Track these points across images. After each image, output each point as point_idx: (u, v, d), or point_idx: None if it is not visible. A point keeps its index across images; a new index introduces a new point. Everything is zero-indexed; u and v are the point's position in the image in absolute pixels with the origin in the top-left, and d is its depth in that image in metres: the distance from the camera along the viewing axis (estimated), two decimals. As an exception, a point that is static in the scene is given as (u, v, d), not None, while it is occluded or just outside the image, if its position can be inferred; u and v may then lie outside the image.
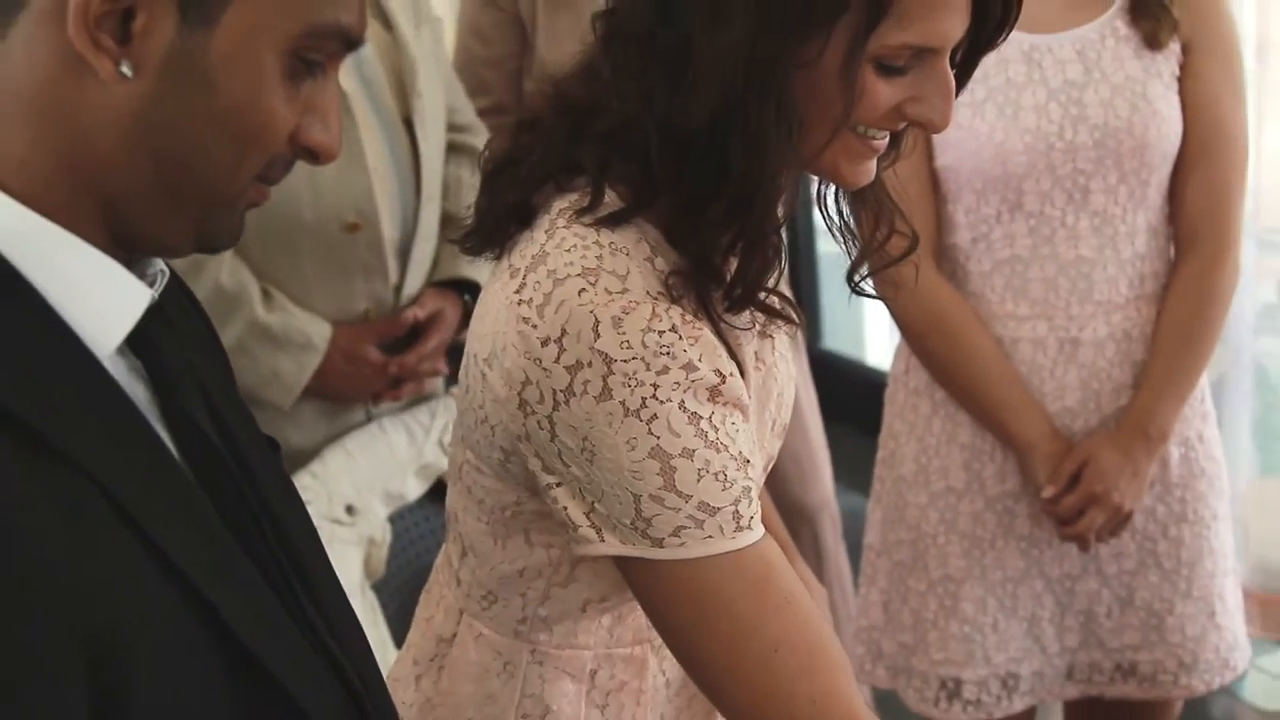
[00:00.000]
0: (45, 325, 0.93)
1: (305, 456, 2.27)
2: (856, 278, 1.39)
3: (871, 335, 4.84)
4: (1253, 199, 2.61)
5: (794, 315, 1.30)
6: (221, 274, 2.17)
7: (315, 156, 1.02)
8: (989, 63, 2.02)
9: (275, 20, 0.97)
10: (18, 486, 0.86)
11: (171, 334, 1.04)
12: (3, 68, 0.95)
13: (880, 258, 1.39)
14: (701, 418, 1.19)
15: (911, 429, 2.30)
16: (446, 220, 2.38)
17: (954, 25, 1.26)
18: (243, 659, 0.94)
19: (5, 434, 0.87)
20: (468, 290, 2.38)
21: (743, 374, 1.29)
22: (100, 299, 0.95)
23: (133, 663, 0.88)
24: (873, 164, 1.33)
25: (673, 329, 1.19)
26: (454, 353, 2.34)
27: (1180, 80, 2.15)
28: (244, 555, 0.99)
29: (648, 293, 1.22)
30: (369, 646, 1.13)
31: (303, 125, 1.01)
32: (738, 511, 1.21)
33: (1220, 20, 2.15)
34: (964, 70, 1.32)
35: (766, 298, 1.27)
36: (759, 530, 1.22)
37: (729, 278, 1.26)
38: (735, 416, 1.22)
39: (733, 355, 1.26)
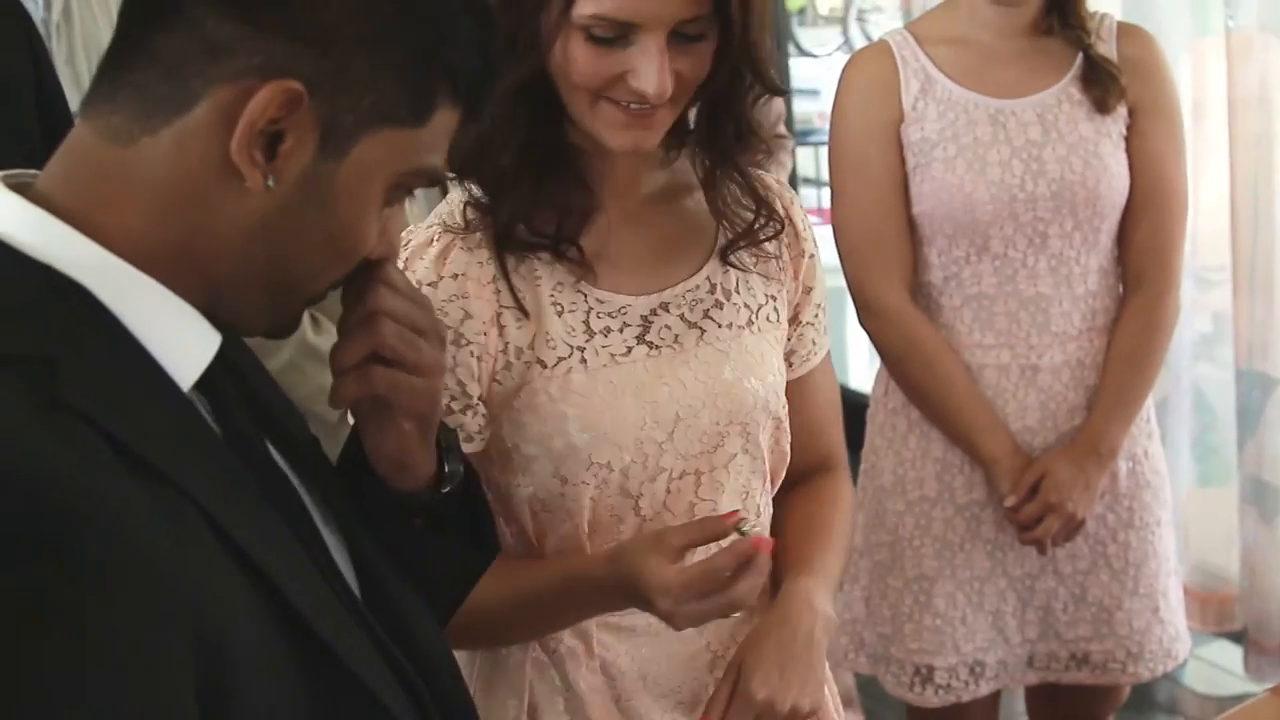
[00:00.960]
0: (135, 358, 0.96)
1: None
2: (731, 254, 1.52)
3: (854, 361, 4.96)
4: (1191, 242, 2.70)
5: (577, 262, 1.43)
6: None
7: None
8: (960, 124, 2.20)
9: (392, 161, 1.03)
10: (130, 499, 0.88)
11: (225, 368, 1.05)
12: (145, 156, 0.98)
13: (752, 237, 1.52)
14: None
15: (890, 444, 2.40)
16: None
17: (649, 3, 1.35)
18: (318, 653, 0.97)
19: (107, 451, 0.89)
20: None
21: (524, 312, 1.43)
22: (182, 340, 0.99)
23: (234, 660, 0.90)
24: (640, 133, 1.41)
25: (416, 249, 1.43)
26: None
27: (1127, 139, 2.28)
28: (309, 560, 1.02)
29: (444, 224, 1.46)
30: (436, 631, 1.16)
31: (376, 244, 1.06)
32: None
33: (1162, 86, 2.29)
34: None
35: (533, 241, 1.43)
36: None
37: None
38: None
39: (513, 292, 1.42)
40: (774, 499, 1.61)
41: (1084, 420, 2.31)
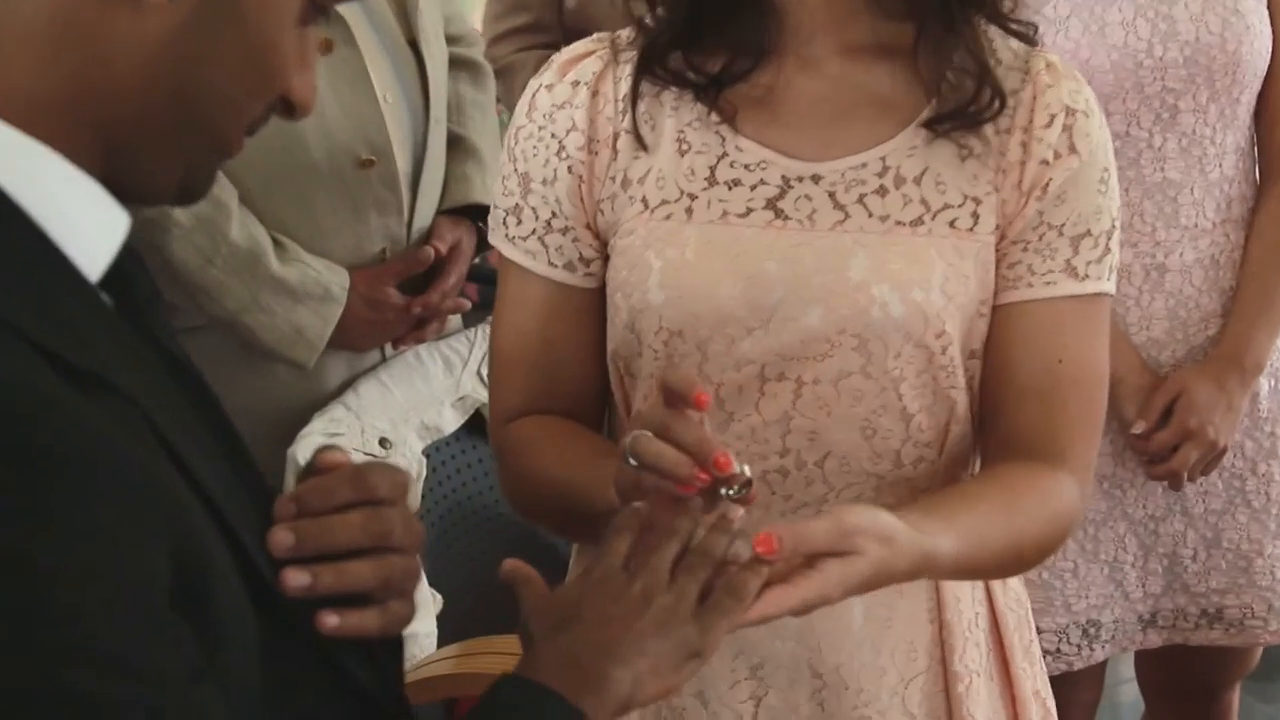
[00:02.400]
0: (42, 250, 0.93)
1: (322, 405, 2.21)
2: (933, 131, 1.40)
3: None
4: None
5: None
6: (231, 230, 2.11)
7: (292, 111, 1.03)
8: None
9: None
10: (87, 409, 0.88)
11: (134, 262, 1.03)
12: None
13: (966, 118, 1.39)
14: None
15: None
16: (453, 142, 2.31)
17: None
18: (260, 590, 0.96)
19: (29, 353, 0.88)
20: (479, 215, 2.30)
21: (642, 143, 1.42)
22: (88, 225, 0.96)
23: (211, 572, 0.90)
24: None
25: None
26: (477, 278, 2.31)
27: None
28: (248, 494, 1.00)
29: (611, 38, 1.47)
30: None
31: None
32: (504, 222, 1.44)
33: None
34: None
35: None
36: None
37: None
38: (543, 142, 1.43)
39: (634, 117, 1.42)
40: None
41: (1221, 329, 2.18)
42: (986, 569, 1.39)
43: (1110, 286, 1.42)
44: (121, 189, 0.98)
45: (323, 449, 1.08)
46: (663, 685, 1.10)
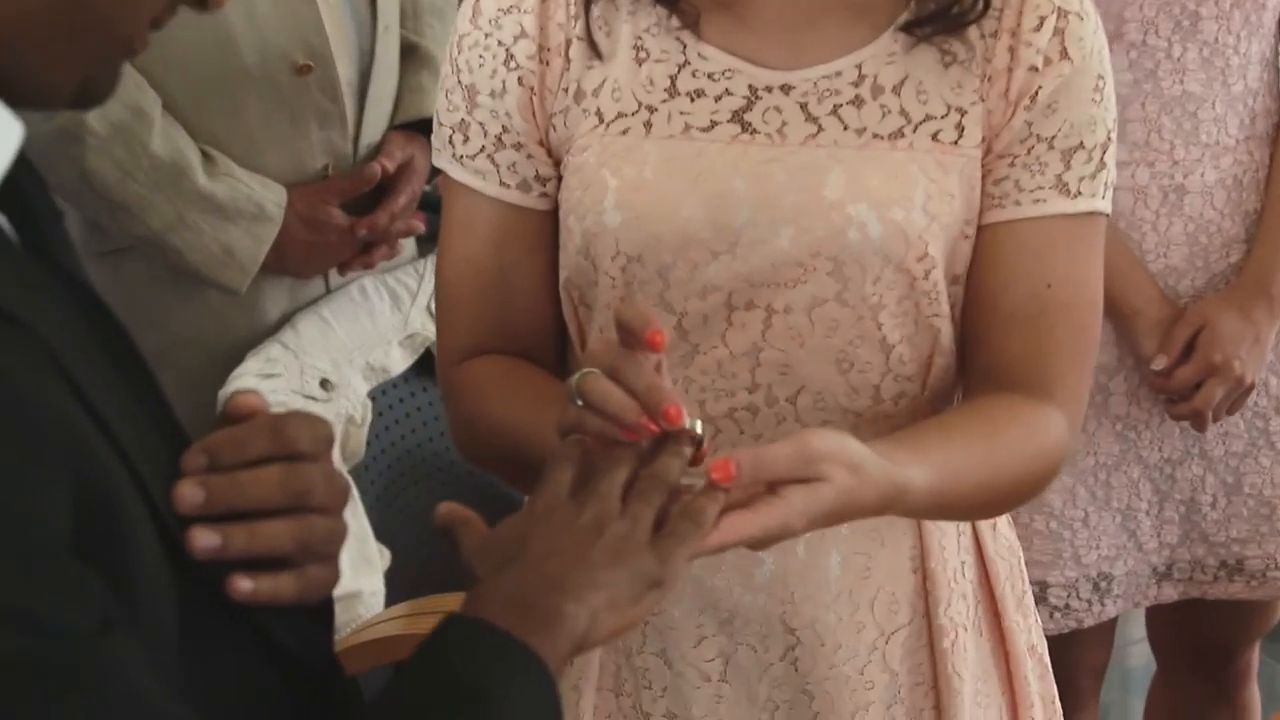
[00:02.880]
0: None
1: (260, 338, 2.18)
2: (911, 36, 1.38)
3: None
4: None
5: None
6: (153, 141, 2.08)
7: (203, 2, 0.98)
8: None
9: None
10: None
11: (33, 180, 1.00)
12: None
13: (947, 20, 1.37)
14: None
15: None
16: (407, 51, 2.26)
17: None
18: (173, 538, 0.94)
19: None
20: None
21: (596, 51, 1.39)
22: None
23: (121, 517, 0.88)
24: None
25: None
26: (428, 206, 2.25)
27: None
28: (150, 423, 0.98)
29: None
30: None
31: None
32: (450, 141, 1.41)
33: None
34: None
35: None
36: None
37: None
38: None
39: (588, 22, 1.39)
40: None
41: (1246, 256, 2.14)
42: (964, 506, 1.35)
43: (1105, 205, 1.39)
44: (11, 93, 0.92)
45: (237, 393, 1.04)
46: (621, 619, 1.07)
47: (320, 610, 1.07)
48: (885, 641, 1.42)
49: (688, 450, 1.13)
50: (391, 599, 2.14)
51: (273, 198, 2.12)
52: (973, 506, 1.36)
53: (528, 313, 1.42)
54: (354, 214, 2.19)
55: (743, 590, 1.40)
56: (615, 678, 1.45)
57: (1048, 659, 1.53)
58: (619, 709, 1.44)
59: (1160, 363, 2.11)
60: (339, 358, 2.18)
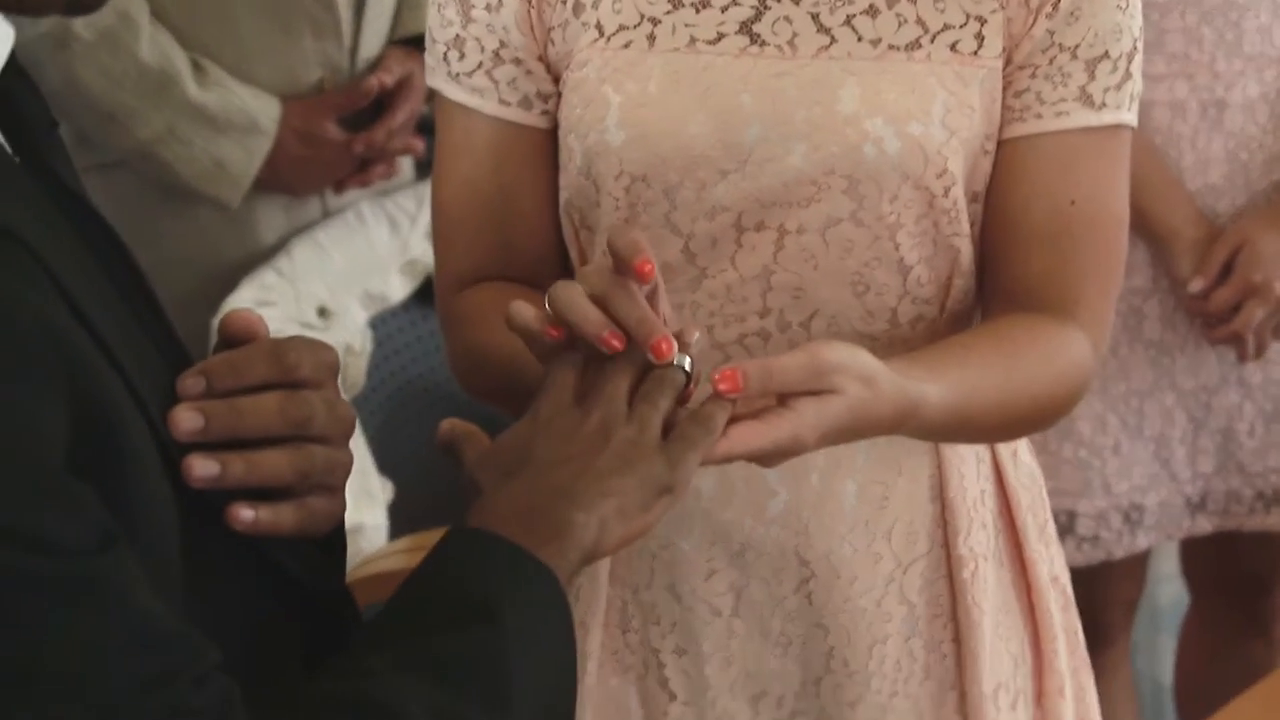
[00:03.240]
0: None
1: (255, 262, 2.19)
2: None
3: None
4: None
5: None
6: (140, 48, 2.08)
7: None
8: None
9: None
10: None
11: (26, 86, 1.00)
12: None
13: None
14: None
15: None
16: None
17: None
18: (166, 456, 0.94)
19: None
20: None
21: None
22: None
23: (120, 432, 0.89)
24: None
25: None
26: (426, 130, 2.24)
27: None
28: (149, 342, 0.99)
29: None
30: None
31: None
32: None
33: None
34: None
35: None
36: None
37: None
38: None
39: None
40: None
41: None
42: (981, 427, 1.34)
43: (1131, 118, 1.38)
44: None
45: (238, 310, 1.03)
46: (632, 527, 1.06)
47: (330, 542, 1.07)
48: (903, 573, 1.41)
49: (679, 380, 1.12)
50: (394, 533, 2.13)
51: (266, 110, 2.12)
52: (991, 428, 1.35)
53: (529, 236, 1.41)
54: (351, 131, 2.18)
55: (754, 523, 1.39)
56: (622, 614, 1.44)
57: (1071, 591, 1.51)
58: (626, 645, 1.43)
59: (1197, 284, 2.10)
60: (336, 285, 2.18)
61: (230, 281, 2.11)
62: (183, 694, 0.86)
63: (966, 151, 1.34)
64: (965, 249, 1.37)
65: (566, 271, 1.43)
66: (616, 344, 1.11)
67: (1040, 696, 1.48)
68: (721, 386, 1.11)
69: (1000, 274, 1.38)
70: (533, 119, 1.39)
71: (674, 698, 1.42)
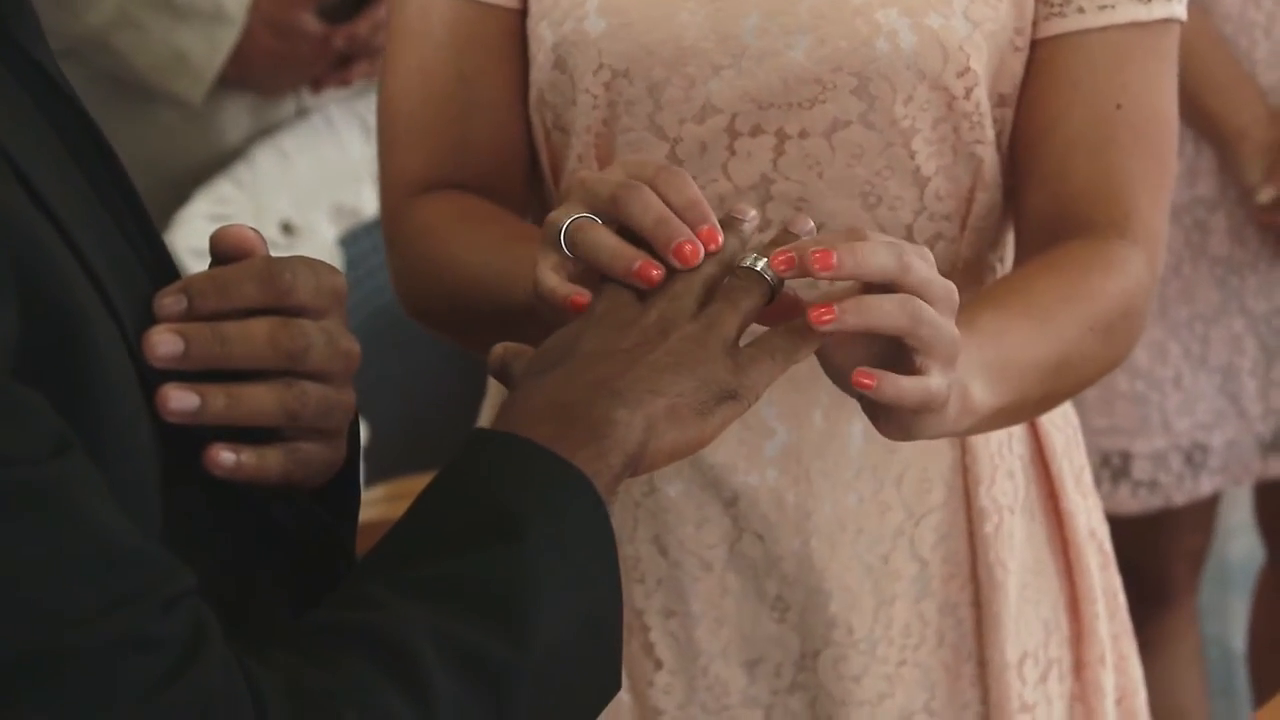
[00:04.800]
0: None
1: (219, 168, 2.16)
2: None
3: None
4: None
5: None
6: None
7: None
8: None
9: None
10: None
11: None
12: None
13: None
14: None
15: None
16: None
17: None
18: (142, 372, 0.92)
19: None
20: None
21: None
22: None
23: (84, 337, 0.86)
24: None
25: None
26: None
27: None
28: (128, 245, 0.97)
29: None
30: None
31: None
32: None
33: None
34: None
35: None
36: None
37: None
38: None
39: None
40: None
41: None
42: (1026, 394, 1.28)
43: (1181, 10, 1.36)
44: None
45: (232, 225, 0.99)
46: (686, 434, 0.99)
47: (333, 493, 1.03)
48: (915, 525, 1.39)
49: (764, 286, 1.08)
50: (370, 480, 2.06)
51: None
52: (1037, 391, 1.29)
53: (491, 133, 1.38)
54: (330, 23, 2.16)
55: (749, 466, 1.38)
56: None
57: (1110, 547, 1.46)
58: None
59: (1267, 194, 2.08)
60: (302, 197, 2.16)
61: (190, 187, 2.08)
62: (144, 620, 0.82)
63: (992, 47, 1.33)
64: (989, 158, 1.35)
65: (529, 181, 1.42)
66: (655, 274, 1.06)
67: (1079, 667, 1.44)
68: (818, 265, 1.05)
69: (1035, 191, 1.36)
70: None
71: (660, 665, 1.40)
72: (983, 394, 1.19)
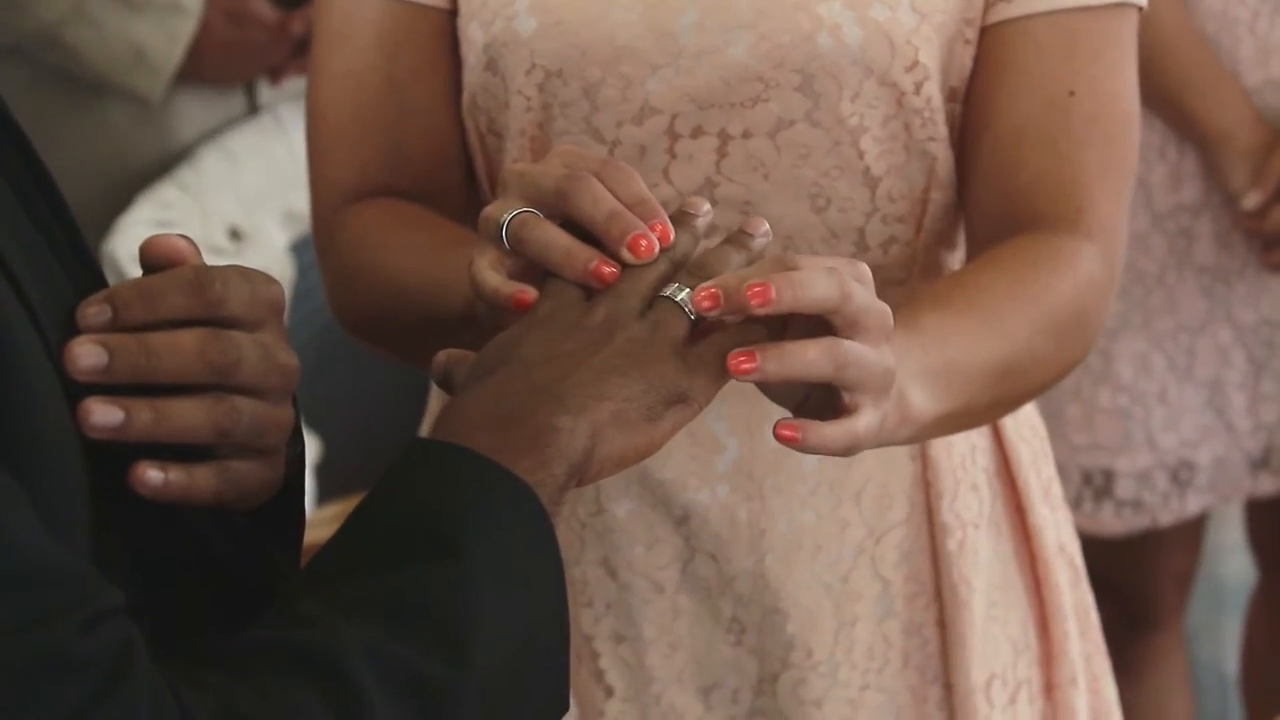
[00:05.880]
0: None
1: (171, 162, 2.16)
2: None
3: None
4: None
5: None
6: None
7: None
8: None
9: None
10: None
11: None
12: None
13: None
14: None
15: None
16: None
17: None
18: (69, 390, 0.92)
19: None
20: None
21: None
22: None
23: (5, 350, 0.84)
24: None
25: None
26: None
27: None
28: (47, 246, 0.95)
29: None
30: None
31: None
32: None
33: None
34: None
35: None
36: None
37: None
38: None
39: None
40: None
41: None
42: (971, 400, 1.26)
43: None
44: None
45: (161, 235, 0.98)
46: (634, 441, 0.99)
47: (271, 514, 1.02)
48: (875, 543, 1.38)
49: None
50: (323, 498, 2.12)
51: None
52: (986, 397, 1.28)
53: (424, 138, 1.38)
54: (286, 8, 2.18)
55: (699, 483, 1.37)
56: None
57: (1081, 562, 1.47)
58: None
59: (1253, 199, 2.06)
60: (250, 201, 2.17)
61: (140, 188, 2.09)
62: (64, 639, 0.80)
63: (941, 39, 1.33)
64: (943, 156, 1.34)
65: (466, 187, 1.42)
66: (609, 272, 1.05)
67: (1050, 689, 1.44)
68: (755, 302, 1.04)
69: (984, 186, 1.36)
70: None
71: (611, 693, 1.40)
72: (923, 401, 1.18)
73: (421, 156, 1.38)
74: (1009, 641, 1.40)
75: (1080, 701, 1.43)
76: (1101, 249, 1.34)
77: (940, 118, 1.34)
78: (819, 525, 1.38)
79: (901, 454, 1.39)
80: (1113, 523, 2.17)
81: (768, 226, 1.13)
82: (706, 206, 1.13)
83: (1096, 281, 1.33)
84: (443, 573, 0.90)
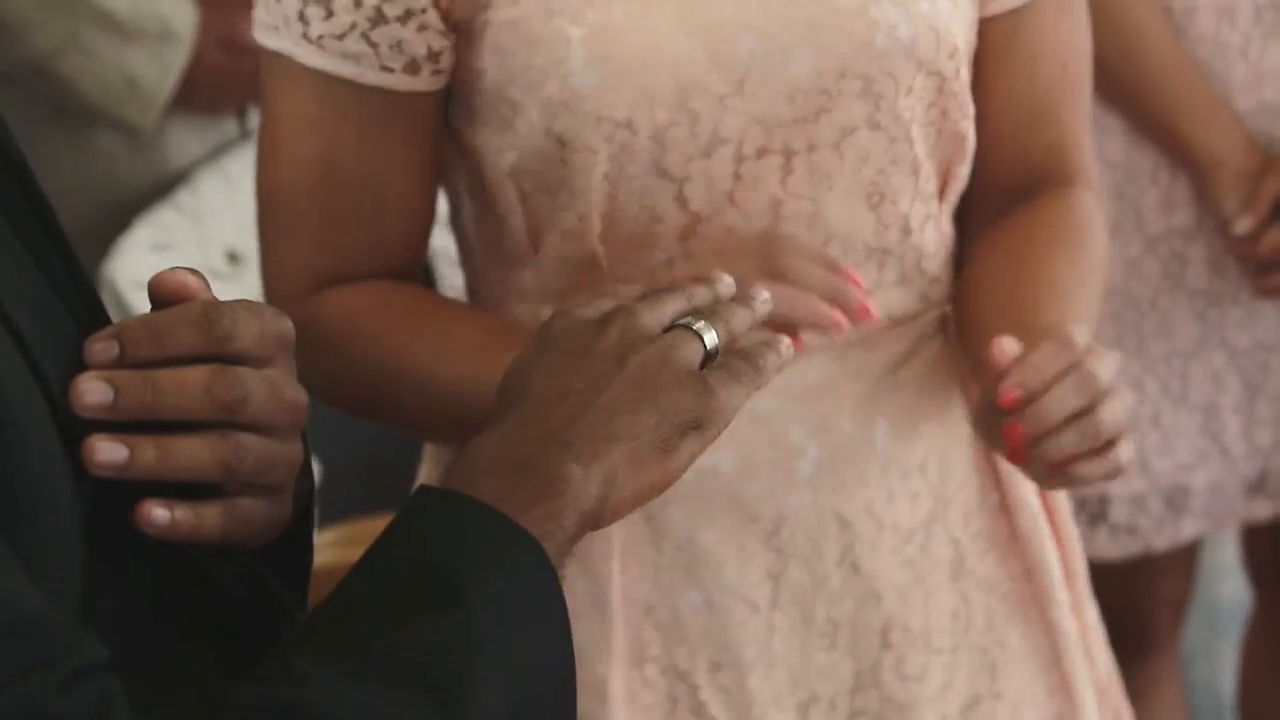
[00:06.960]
0: None
1: (163, 188, 2.16)
2: None
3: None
4: None
5: None
6: None
7: None
8: None
9: None
10: None
11: None
12: None
13: None
14: None
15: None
16: None
17: None
18: (68, 436, 0.90)
19: None
20: None
21: None
22: None
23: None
24: None
25: None
26: None
27: None
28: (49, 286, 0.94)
29: None
30: None
31: None
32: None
33: None
34: None
35: None
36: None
37: None
38: None
39: None
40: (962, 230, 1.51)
41: None
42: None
43: None
44: None
45: (171, 270, 0.97)
46: (650, 479, 0.99)
47: (279, 551, 1.01)
48: (945, 509, 1.45)
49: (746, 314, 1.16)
50: (324, 522, 2.10)
51: (181, 14, 2.11)
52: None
53: (407, 225, 1.39)
54: None
55: (786, 490, 1.39)
56: (634, 644, 1.42)
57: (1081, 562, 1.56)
58: (644, 682, 1.43)
59: (1244, 223, 2.05)
60: (248, 224, 2.02)
61: (132, 215, 2.09)
62: (41, 695, 0.80)
63: (965, 25, 1.38)
64: (970, 134, 1.41)
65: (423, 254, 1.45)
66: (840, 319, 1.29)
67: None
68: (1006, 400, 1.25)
69: (1001, 161, 1.44)
70: (422, 83, 1.35)
71: None
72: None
73: (400, 244, 1.39)
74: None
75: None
76: (1092, 189, 1.47)
77: (969, 97, 1.40)
78: (894, 503, 1.42)
79: (956, 419, 1.44)
80: (1108, 547, 2.16)
81: (769, 294, 1.17)
82: (766, 295, 1.17)
83: (1101, 223, 1.47)
84: (443, 628, 0.90)
